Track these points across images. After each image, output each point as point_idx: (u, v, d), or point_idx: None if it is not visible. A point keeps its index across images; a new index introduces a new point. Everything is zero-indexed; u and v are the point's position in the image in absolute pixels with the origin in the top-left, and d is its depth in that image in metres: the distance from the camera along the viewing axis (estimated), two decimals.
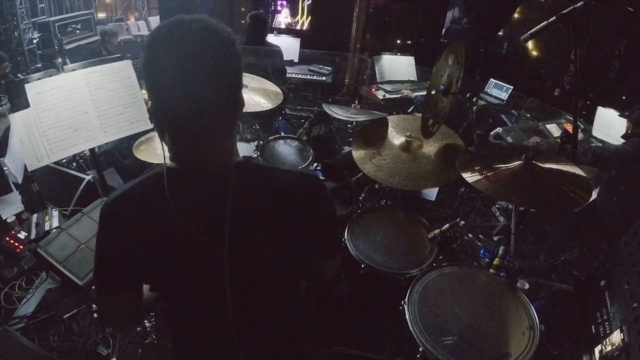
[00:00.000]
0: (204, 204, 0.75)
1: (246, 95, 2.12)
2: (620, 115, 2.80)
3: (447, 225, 1.71)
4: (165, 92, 0.69)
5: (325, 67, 4.41)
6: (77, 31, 5.61)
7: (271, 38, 3.84)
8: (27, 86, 1.66)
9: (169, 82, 0.68)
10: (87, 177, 2.18)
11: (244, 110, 0.81)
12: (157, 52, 0.68)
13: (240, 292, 0.80)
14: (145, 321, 1.81)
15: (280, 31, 4.80)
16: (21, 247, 2.00)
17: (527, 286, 1.56)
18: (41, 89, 1.69)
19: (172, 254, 0.77)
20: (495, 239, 2.53)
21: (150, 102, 0.73)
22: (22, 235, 2.03)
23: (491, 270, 1.53)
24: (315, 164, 2.36)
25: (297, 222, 0.79)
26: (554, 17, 1.43)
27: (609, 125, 2.85)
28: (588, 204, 1.37)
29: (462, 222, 1.79)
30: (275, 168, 0.83)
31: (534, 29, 1.52)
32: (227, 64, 0.69)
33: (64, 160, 2.54)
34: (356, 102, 2.98)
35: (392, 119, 2.04)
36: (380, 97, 3.80)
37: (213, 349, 0.91)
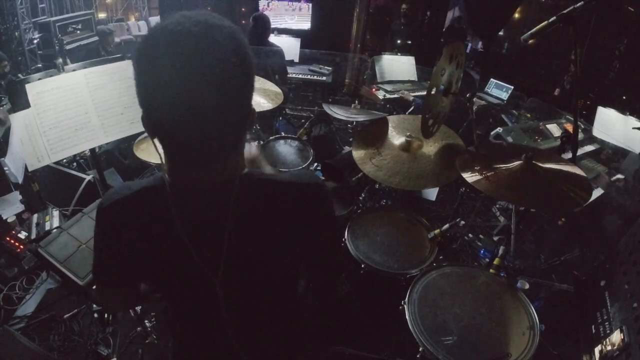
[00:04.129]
0: (204, 219, 0.72)
1: None
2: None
3: (447, 225, 1.71)
4: (159, 104, 0.61)
5: (326, 67, 4.41)
6: (78, 31, 5.60)
7: (271, 38, 3.84)
8: (27, 86, 1.66)
9: (164, 92, 0.59)
10: (88, 177, 2.18)
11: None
12: (151, 57, 0.60)
13: (237, 301, 0.80)
14: (145, 321, 1.81)
15: (280, 31, 4.80)
16: (22, 247, 2.00)
17: (527, 286, 1.56)
18: (42, 89, 1.69)
19: (168, 266, 0.76)
20: (495, 239, 2.53)
21: (142, 112, 0.65)
22: (22, 235, 2.03)
23: (491, 270, 1.53)
24: (315, 164, 2.36)
25: (299, 230, 0.77)
26: (554, 17, 1.42)
27: (609, 125, 2.84)
28: (588, 204, 1.37)
29: (462, 222, 1.78)
30: (278, 179, 0.76)
31: (534, 29, 1.52)
32: (232, 70, 0.61)
33: (65, 160, 2.54)
34: (356, 102, 2.98)
35: (392, 119, 2.04)
36: (381, 97, 3.80)
37: (212, 351, 0.91)
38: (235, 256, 0.73)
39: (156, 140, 0.68)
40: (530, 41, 1.55)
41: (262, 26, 3.50)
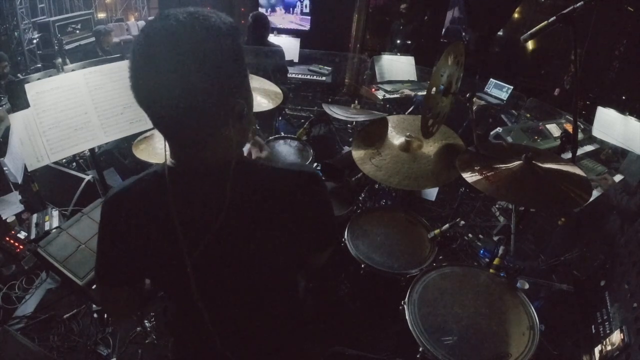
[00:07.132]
0: (200, 203, 0.74)
1: None
2: None
3: (447, 225, 1.71)
4: (144, 93, 0.67)
5: (325, 67, 4.41)
6: (77, 31, 5.61)
7: (271, 38, 3.84)
8: (27, 86, 1.65)
9: (146, 80, 0.64)
10: (87, 177, 2.18)
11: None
12: (137, 48, 0.65)
13: (215, 289, 0.80)
14: (145, 321, 1.81)
15: (280, 31, 4.80)
16: (21, 247, 2.00)
17: (527, 286, 1.56)
18: (41, 89, 1.69)
19: (159, 253, 0.77)
20: (495, 239, 2.53)
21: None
22: (22, 235, 2.03)
23: (491, 270, 1.53)
24: (315, 164, 2.36)
25: (294, 218, 0.78)
26: (554, 17, 1.42)
27: (609, 125, 2.85)
28: (588, 203, 1.36)
29: (462, 222, 1.78)
30: (272, 167, 0.79)
31: (534, 29, 1.52)
32: (216, 58, 0.64)
33: (64, 160, 2.54)
34: (356, 102, 2.98)
35: (392, 119, 2.03)
36: (380, 97, 3.80)
37: (203, 347, 0.91)
38: (221, 240, 0.74)
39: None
40: (529, 41, 1.55)
41: (261, 26, 3.49)
